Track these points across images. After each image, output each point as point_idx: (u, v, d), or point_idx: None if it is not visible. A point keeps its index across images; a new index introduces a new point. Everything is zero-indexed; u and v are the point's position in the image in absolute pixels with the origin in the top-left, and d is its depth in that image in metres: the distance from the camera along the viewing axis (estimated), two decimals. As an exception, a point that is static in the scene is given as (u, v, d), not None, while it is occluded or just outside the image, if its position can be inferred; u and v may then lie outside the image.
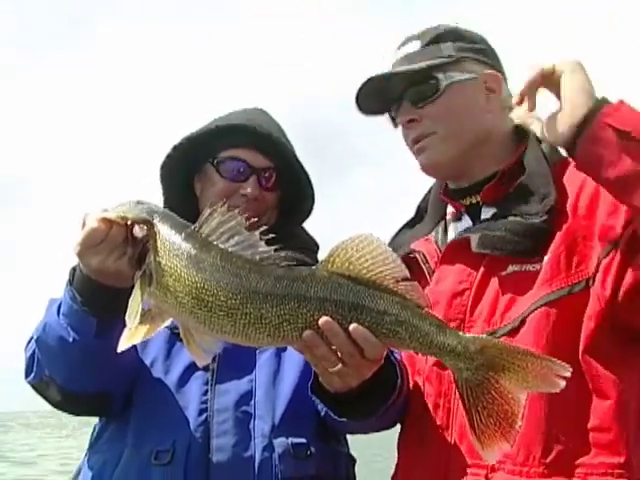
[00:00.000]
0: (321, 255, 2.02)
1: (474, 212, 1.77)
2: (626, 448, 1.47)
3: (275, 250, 1.41)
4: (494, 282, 1.62)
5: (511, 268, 1.60)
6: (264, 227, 1.43)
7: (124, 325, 1.41)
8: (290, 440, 1.72)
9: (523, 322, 1.55)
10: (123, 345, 1.42)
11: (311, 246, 2.05)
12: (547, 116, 1.47)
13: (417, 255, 1.79)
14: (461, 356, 1.37)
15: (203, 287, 1.36)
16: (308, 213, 2.06)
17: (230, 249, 1.40)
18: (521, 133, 1.77)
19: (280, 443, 1.70)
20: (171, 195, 2.00)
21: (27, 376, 1.77)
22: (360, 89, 1.78)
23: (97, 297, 1.57)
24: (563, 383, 1.32)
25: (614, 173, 1.37)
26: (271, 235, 1.42)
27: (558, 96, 1.46)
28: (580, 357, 1.51)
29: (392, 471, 1.80)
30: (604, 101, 1.40)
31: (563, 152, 1.77)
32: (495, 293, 1.61)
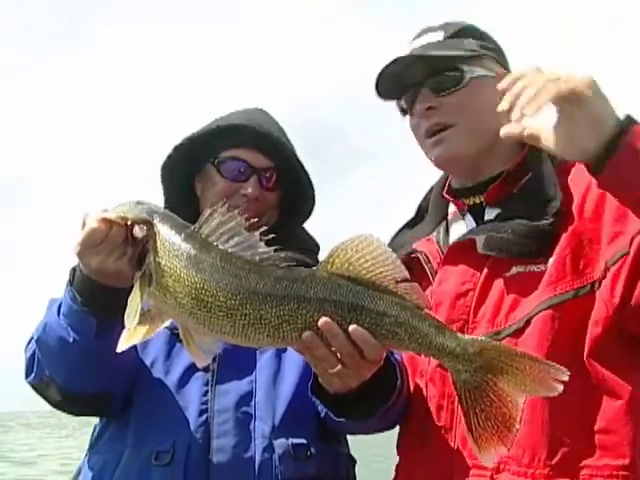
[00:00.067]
0: (322, 256, 2.02)
1: (477, 212, 1.76)
2: (631, 450, 1.47)
3: (275, 251, 1.41)
4: (498, 283, 1.62)
5: (515, 269, 1.60)
6: (264, 228, 1.43)
7: (124, 325, 1.41)
8: (290, 441, 1.72)
9: (528, 323, 1.55)
10: (122, 345, 1.42)
11: (312, 247, 2.05)
12: (548, 126, 1.40)
13: (419, 255, 1.79)
14: (460, 358, 1.37)
15: (203, 288, 1.36)
16: (308, 214, 2.05)
17: (230, 250, 1.40)
18: None
19: (280, 444, 1.70)
20: (172, 195, 2.00)
21: (27, 376, 1.77)
22: (384, 69, 1.75)
23: (97, 297, 1.57)
24: (561, 387, 1.31)
25: None
26: (271, 236, 1.42)
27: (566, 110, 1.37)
28: (585, 360, 1.51)
29: (392, 472, 1.80)
30: (632, 120, 1.36)
31: None
32: (499, 294, 1.61)
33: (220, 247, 1.40)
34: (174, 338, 1.75)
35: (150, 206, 1.51)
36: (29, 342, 1.78)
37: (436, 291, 1.71)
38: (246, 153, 1.91)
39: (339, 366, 1.42)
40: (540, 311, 1.53)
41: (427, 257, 1.77)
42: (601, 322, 1.50)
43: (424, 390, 1.70)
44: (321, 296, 1.37)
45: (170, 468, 1.65)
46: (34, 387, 1.77)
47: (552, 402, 1.48)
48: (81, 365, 1.66)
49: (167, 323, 1.45)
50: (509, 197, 1.69)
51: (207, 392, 1.74)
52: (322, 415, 1.71)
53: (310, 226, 2.11)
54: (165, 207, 1.93)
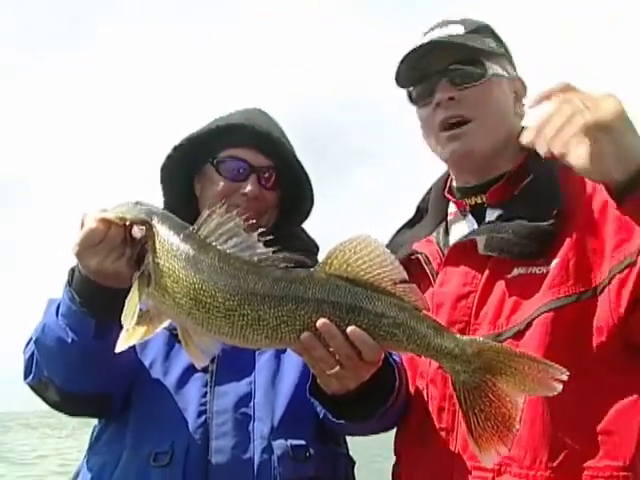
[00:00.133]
0: (321, 256, 2.01)
1: (478, 213, 1.76)
2: (631, 451, 1.47)
3: (274, 252, 1.41)
4: (500, 285, 1.62)
5: (517, 271, 1.60)
6: (262, 229, 1.43)
7: (123, 326, 1.41)
8: (289, 442, 1.71)
9: (529, 325, 1.55)
10: (121, 346, 1.42)
11: (311, 247, 2.05)
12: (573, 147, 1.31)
13: (420, 256, 1.78)
14: (458, 359, 1.37)
15: (201, 288, 1.37)
16: (307, 214, 2.05)
17: (228, 250, 1.40)
18: None
19: (279, 445, 1.70)
20: (171, 196, 2.00)
21: (26, 377, 1.77)
22: (410, 53, 1.73)
23: (96, 298, 1.57)
24: (560, 387, 1.32)
25: None
26: (269, 237, 1.42)
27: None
28: (586, 363, 1.51)
29: (390, 473, 1.80)
30: None
31: None
32: (501, 296, 1.61)
33: (219, 248, 1.40)
34: (173, 339, 1.75)
35: (149, 207, 1.51)
36: (28, 343, 1.78)
37: (437, 292, 1.71)
38: (245, 152, 1.91)
39: (337, 367, 1.42)
40: (541, 314, 1.53)
41: (427, 258, 1.77)
42: (605, 330, 1.50)
43: (425, 391, 1.70)
44: (319, 297, 1.37)
45: (169, 469, 1.65)
46: (33, 388, 1.77)
47: (553, 404, 1.48)
48: (80, 366, 1.66)
49: (166, 324, 1.45)
50: (511, 198, 1.69)
51: (206, 393, 1.73)
52: (321, 416, 1.71)
53: (310, 226, 2.10)
54: (164, 208, 1.93)
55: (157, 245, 1.43)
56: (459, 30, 1.75)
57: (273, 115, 2.06)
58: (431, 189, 1.97)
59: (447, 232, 1.84)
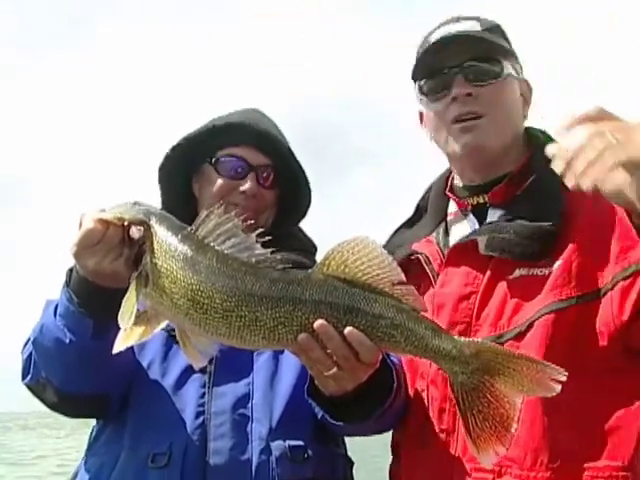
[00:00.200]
0: (319, 256, 2.01)
1: (480, 212, 1.76)
2: (630, 451, 1.48)
3: (272, 252, 1.41)
4: (501, 286, 1.61)
5: (518, 272, 1.60)
6: (260, 229, 1.43)
7: (120, 327, 1.40)
8: (287, 443, 1.71)
9: (530, 327, 1.55)
10: (119, 347, 1.42)
11: (309, 248, 2.05)
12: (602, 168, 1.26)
13: (420, 257, 1.78)
14: (456, 360, 1.37)
15: (198, 289, 1.36)
16: (305, 212, 2.05)
17: (226, 251, 1.40)
18: (530, 137, 1.78)
19: (277, 446, 1.70)
20: (169, 196, 2.00)
21: (24, 378, 1.76)
22: (434, 44, 1.71)
23: (94, 298, 1.56)
24: (559, 387, 1.32)
25: None
26: (268, 237, 1.42)
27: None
28: (586, 365, 1.51)
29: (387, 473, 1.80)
30: None
31: None
32: (502, 297, 1.61)
33: (216, 248, 1.40)
34: (171, 340, 1.75)
35: (147, 207, 1.51)
36: (26, 344, 1.78)
37: (438, 293, 1.70)
38: (243, 151, 1.91)
39: (335, 368, 1.42)
40: (543, 315, 1.53)
41: (427, 258, 1.77)
42: (606, 333, 1.51)
43: (425, 392, 1.70)
44: (317, 298, 1.37)
45: (167, 470, 1.65)
46: (30, 389, 1.77)
47: (553, 405, 1.48)
48: (78, 366, 1.65)
49: (163, 325, 1.45)
50: (513, 198, 1.69)
51: (204, 394, 1.73)
52: (319, 417, 1.71)
53: (309, 226, 2.10)
54: (162, 208, 1.93)
55: (155, 245, 1.42)
56: (475, 26, 1.75)
57: (273, 115, 2.06)
58: (431, 188, 1.97)
59: (447, 232, 1.84)
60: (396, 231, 1.98)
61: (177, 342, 1.47)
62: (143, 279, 1.42)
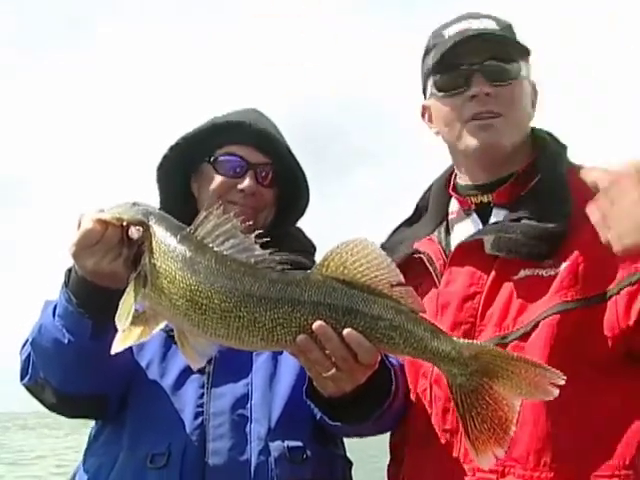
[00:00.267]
0: (318, 257, 2.02)
1: (484, 212, 1.75)
2: (632, 451, 1.48)
3: (270, 253, 1.41)
4: (506, 286, 1.61)
5: (523, 272, 1.60)
6: (260, 230, 1.43)
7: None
8: (286, 443, 1.71)
9: (535, 327, 1.55)
10: (117, 347, 1.42)
11: (308, 248, 2.05)
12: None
13: (422, 256, 1.77)
14: (455, 362, 1.37)
15: (197, 290, 1.36)
16: (303, 212, 2.05)
17: (225, 252, 1.40)
18: (535, 138, 1.78)
19: (276, 447, 1.70)
20: (168, 196, 1.99)
21: (22, 378, 1.76)
22: (461, 40, 1.70)
23: (92, 299, 1.56)
24: (557, 391, 1.32)
25: None
26: (266, 239, 1.42)
27: None
28: (589, 366, 1.52)
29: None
30: None
31: (573, 160, 1.76)
32: (507, 297, 1.60)
33: (215, 249, 1.40)
34: (170, 340, 1.74)
35: (146, 207, 1.51)
36: (24, 344, 1.77)
37: (443, 292, 1.70)
38: (242, 149, 1.91)
39: (333, 370, 1.42)
40: (548, 316, 1.53)
41: (430, 258, 1.76)
42: (610, 336, 1.51)
43: (427, 391, 1.69)
44: (315, 299, 1.37)
45: (166, 471, 1.65)
46: (29, 389, 1.76)
47: (556, 405, 1.48)
48: (76, 367, 1.65)
49: (162, 326, 1.45)
50: (518, 198, 1.69)
51: (203, 395, 1.73)
52: (317, 418, 1.71)
53: (309, 226, 2.11)
54: (161, 207, 1.93)
55: (154, 246, 1.42)
56: (493, 25, 1.74)
57: (273, 115, 2.07)
58: (431, 186, 1.96)
59: (448, 231, 1.83)
60: (395, 230, 1.97)
61: (175, 342, 1.47)
62: (142, 279, 1.42)
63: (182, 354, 1.45)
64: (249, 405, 1.73)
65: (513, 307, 1.59)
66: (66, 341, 1.61)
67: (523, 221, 1.62)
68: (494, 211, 1.73)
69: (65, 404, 1.75)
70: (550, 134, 1.81)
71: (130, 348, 1.50)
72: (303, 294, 1.37)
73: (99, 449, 1.79)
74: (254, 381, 1.76)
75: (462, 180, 1.83)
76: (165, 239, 1.42)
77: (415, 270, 1.76)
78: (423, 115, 1.88)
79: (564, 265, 1.55)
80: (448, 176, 1.91)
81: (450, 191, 1.86)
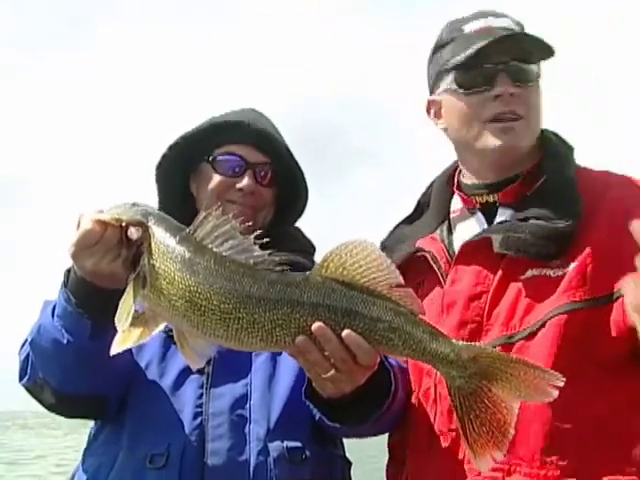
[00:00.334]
0: (318, 257, 2.02)
1: (488, 211, 1.75)
2: (638, 452, 1.49)
3: (270, 254, 1.41)
4: (513, 286, 1.61)
5: (530, 272, 1.60)
6: (258, 231, 1.43)
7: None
8: (285, 444, 1.71)
9: (542, 327, 1.55)
10: (116, 349, 1.41)
11: (307, 248, 2.05)
12: None
13: (427, 255, 1.77)
14: (454, 364, 1.37)
15: (196, 291, 1.36)
16: (302, 211, 2.05)
17: (224, 253, 1.40)
18: (543, 139, 1.78)
19: (275, 447, 1.70)
20: (167, 196, 1.99)
21: (21, 379, 1.76)
22: (478, 36, 1.69)
23: (92, 299, 1.56)
24: (556, 393, 1.32)
25: None
26: (266, 240, 1.41)
27: None
28: (596, 365, 1.52)
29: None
30: None
31: (578, 162, 1.76)
32: (514, 297, 1.60)
33: (214, 250, 1.40)
34: (169, 341, 1.74)
35: (145, 208, 1.51)
36: (23, 344, 1.77)
37: (449, 291, 1.69)
38: (241, 149, 1.91)
39: (332, 371, 1.41)
40: (555, 315, 1.53)
41: (434, 256, 1.76)
42: (616, 338, 1.51)
43: (432, 389, 1.68)
44: (315, 301, 1.37)
45: (165, 471, 1.65)
46: (28, 389, 1.76)
47: (562, 405, 1.48)
48: (75, 367, 1.65)
49: (162, 327, 1.45)
50: (524, 198, 1.69)
51: (202, 395, 1.73)
52: (317, 418, 1.71)
53: (309, 226, 2.12)
54: (159, 207, 1.93)
55: (153, 247, 1.42)
56: (512, 24, 1.74)
57: (273, 115, 2.07)
58: (433, 184, 1.96)
59: (450, 230, 1.83)
60: (396, 227, 1.97)
61: (175, 343, 1.46)
62: (141, 280, 1.42)
63: (181, 355, 1.45)
64: (248, 405, 1.73)
65: (520, 307, 1.59)
66: (65, 341, 1.61)
67: (531, 221, 1.61)
68: (499, 211, 1.73)
69: (64, 404, 1.75)
70: (557, 135, 1.81)
71: (129, 349, 1.50)
72: (302, 295, 1.37)
73: (98, 449, 1.79)
74: (253, 381, 1.76)
75: (467, 179, 1.82)
76: (164, 240, 1.42)
77: (417, 268, 1.76)
78: (429, 110, 1.85)
79: (573, 265, 1.55)
80: (451, 174, 1.90)
81: (455, 189, 1.85)
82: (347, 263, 1.37)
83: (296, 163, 1.98)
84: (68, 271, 1.62)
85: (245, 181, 1.88)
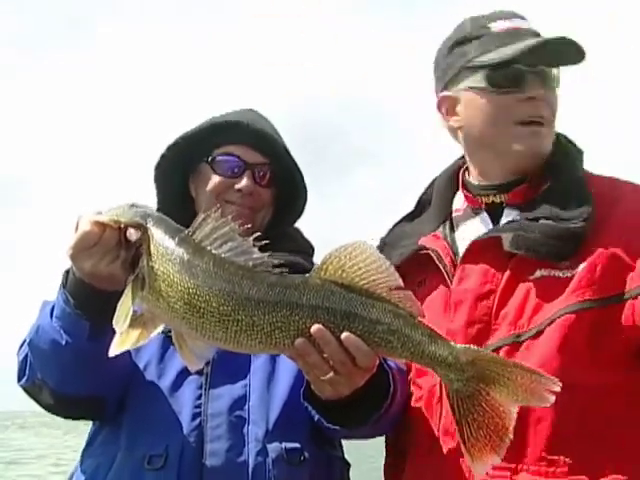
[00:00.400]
0: (317, 257, 2.01)
1: (494, 212, 1.75)
2: None
3: (269, 256, 1.41)
4: (522, 285, 1.61)
5: (539, 272, 1.59)
6: (257, 234, 1.42)
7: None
8: (284, 445, 1.71)
9: (550, 325, 1.55)
10: (114, 350, 1.41)
11: (306, 248, 2.05)
12: None
13: (431, 253, 1.76)
14: (452, 367, 1.37)
15: (195, 293, 1.36)
16: (300, 212, 2.05)
17: (223, 255, 1.40)
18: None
19: (274, 448, 1.69)
20: (165, 196, 1.99)
21: (19, 379, 1.76)
22: (548, 40, 1.67)
23: (90, 300, 1.56)
24: (553, 398, 1.32)
25: None
26: (265, 242, 1.41)
27: None
28: (602, 366, 1.53)
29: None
30: None
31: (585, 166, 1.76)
32: (523, 296, 1.60)
33: (213, 252, 1.40)
34: (168, 341, 1.74)
35: (144, 209, 1.50)
36: (21, 345, 1.77)
37: (456, 290, 1.68)
38: (240, 149, 1.91)
39: (331, 373, 1.41)
40: (563, 315, 1.53)
41: (439, 254, 1.75)
42: (626, 339, 1.52)
43: (437, 387, 1.67)
44: (314, 303, 1.36)
45: (163, 472, 1.64)
46: (26, 390, 1.76)
47: (569, 404, 1.49)
48: (74, 368, 1.65)
49: (160, 329, 1.45)
50: (531, 199, 1.68)
51: (201, 396, 1.73)
52: (315, 420, 1.71)
53: (309, 226, 2.10)
54: (158, 208, 1.93)
55: (152, 248, 1.42)
56: (532, 26, 1.73)
57: (273, 115, 2.07)
58: (434, 181, 1.95)
59: (452, 228, 1.82)
60: (397, 224, 1.96)
61: (173, 343, 1.46)
62: (139, 282, 1.42)
63: (180, 356, 1.45)
64: (247, 406, 1.73)
65: (529, 306, 1.59)
66: (63, 342, 1.61)
67: (541, 221, 1.61)
68: (506, 211, 1.72)
69: (62, 405, 1.75)
70: (566, 137, 1.80)
71: (128, 350, 1.50)
72: (301, 298, 1.36)
73: (96, 450, 1.79)
74: (252, 382, 1.76)
75: (474, 179, 1.81)
76: (163, 242, 1.42)
77: (419, 266, 1.76)
78: (440, 106, 1.82)
79: (582, 266, 1.55)
80: (454, 172, 1.90)
81: (461, 189, 1.84)
82: (346, 265, 1.37)
83: (295, 163, 1.97)
84: (67, 272, 1.62)
85: (244, 182, 1.88)
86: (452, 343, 1.40)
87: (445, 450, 1.63)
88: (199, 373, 1.72)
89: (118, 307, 1.40)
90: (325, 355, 1.39)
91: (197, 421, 1.70)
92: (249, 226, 1.44)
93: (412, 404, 1.74)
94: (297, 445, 1.72)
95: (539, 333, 1.55)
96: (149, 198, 2.00)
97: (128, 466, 1.68)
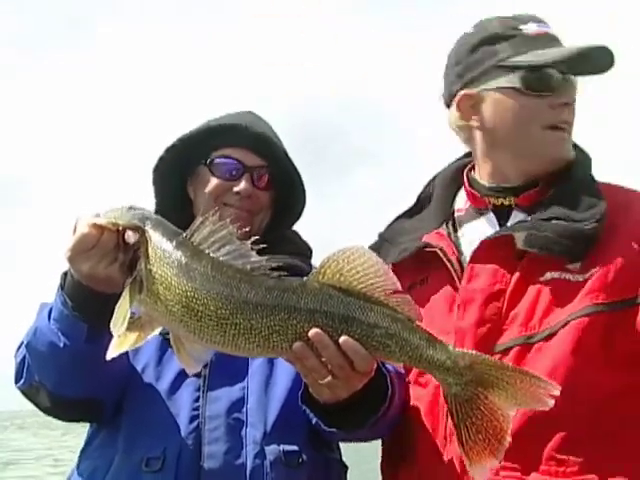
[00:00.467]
0: (315, 259, 2.01)
1: (501, 213, 1.74)
2: None
3: (267, 260, 1.41)
4: (532, 287, 1.61)
5: (549, 275, 1.59)
6: (255, 237, 1.42)
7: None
8: (282, 447, 1.70)
9: (562, 328, 1.55)
10: (112, 353, 1.41)
11: (304, 251, 2.05)
12: None
13: (438, 251, 1.75)
14: (450, 371, 1.37)
15: (193, 296, 1.36)
16: (299, 215, 2.05)
17: (221, 258, 1.39)
18: None
19: (272, 450, 1.69)
20: (164, 199, 1.99)
21: (17, 382, 1.76)
22: (597, 47, 1.67)
23: (88, 303, 1.56)
24: (552, 402, 1.32)
25: None
26: (263, 245, 1.41)
27: None
28: (616, 368, 1.53)
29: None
30: None
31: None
32: (534, 298, 1.60)
33: (211, 255, 1.40)
34: (165, 344, 1.74)
35: (142, 212, 1.50)
36: (19, 347, 1.77)
37: (466, 288, 1.67)
38: (238, 152, 1.90)
39: (329, 377, 1.41)
40: (577, 317, 1.54)
41: (445, 252, 1.74)
42: (636, 342, 1.52)
43: (438, 391, 1.65)
44: (312, 307, 1.36)
45: (161, 475, 1.64)
46: (24, 392, 1.76)
47: (580, 404, 1.50)
48: (71, 370, 1.65)
49: (157, 331, 1.45)
50: (539, 202, 1.68)
51: (198, 398, 1.72)
52: (313, 422, 1.71)
53: (309, 227, 2.11)
54: (156, 210, 1.92)
55: (150, 251, 1.42)
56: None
57: (273, 115, 2.06)
58: (434, 179, 1.94)
59: (455, 228, 1.82)
60: (395, 220, 1.96)
61: (171, 346, 1.46)
62: (137, 285, 1.42)
63: (178, 359, 1.45)
64: (245, 409, 1.72)
65: (539, 308, 1.58)
66: (61, 344, 1.61)
67: (553, 221, 1.61)
68: (513, 213, 1.72)
69: (60, 408, 1.75)
70: (576, 144, 1.79)
71: (126, 352, 1.50)
72: (299, 301, 1.36)
73: (94, 452, 1.79)
74: (250, 385, 1.76)
75: (483, 179, 1.79)
76: (161, 244, 1.41)
77: (421, 264, 1.76)
78: (459, 105, 1.77)
79: (595, 269, 1.56)
80: (457, 171, 1.89)
81: (465, 188, 1.83)
82: (344, 269, 1.37)
83: (293, 166, 1.97)
84: (65, 274, 1.62)
85: (242, 184, 1.88)
86: (450, 347, 1.40)
87: (455, 448, 1.63)
88: (197, 376, 1.72)
89: (116, 310, 1.40)
90: (323, 359, 1.39)
91: (195, 423, 1.70)
92: (247, 229, 1.44)
93: (415, 403, 1.73)
94: (295, 448, 1.72)
95: (551, 335, 1.55)
96: (148, 198, 2.01)
97: (126, 469, 1.68)
